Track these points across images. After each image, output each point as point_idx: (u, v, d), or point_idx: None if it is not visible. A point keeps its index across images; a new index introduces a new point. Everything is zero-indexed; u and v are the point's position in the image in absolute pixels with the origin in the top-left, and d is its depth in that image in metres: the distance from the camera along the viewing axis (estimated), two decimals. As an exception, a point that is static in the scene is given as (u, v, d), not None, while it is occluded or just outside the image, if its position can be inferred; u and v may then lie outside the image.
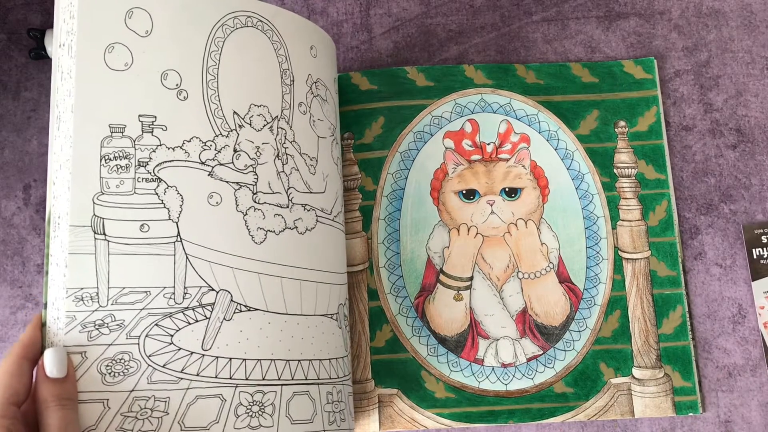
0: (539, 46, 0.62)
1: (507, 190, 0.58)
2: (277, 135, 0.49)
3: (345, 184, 0.59)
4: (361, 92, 0.60)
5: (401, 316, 0.57)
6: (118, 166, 0.44)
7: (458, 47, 0.63)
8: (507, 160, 0.59)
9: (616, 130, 0.60)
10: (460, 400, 0.55)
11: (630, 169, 0.59)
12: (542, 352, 0.56)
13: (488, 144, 0.59)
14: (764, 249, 0.57)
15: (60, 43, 0.44)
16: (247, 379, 0.45)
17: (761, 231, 0.57)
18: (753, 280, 0.57)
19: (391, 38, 0.63)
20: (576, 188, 0.59)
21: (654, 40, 0.62)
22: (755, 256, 0.57)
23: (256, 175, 0.48)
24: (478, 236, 0.58)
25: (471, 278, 0.57)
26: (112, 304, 0.42)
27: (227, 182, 0.47)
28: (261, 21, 0.50)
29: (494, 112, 0.60)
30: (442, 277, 0.57)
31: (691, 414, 0.54)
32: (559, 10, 0.63)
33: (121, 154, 0.44)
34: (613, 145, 0.59)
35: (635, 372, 0.55)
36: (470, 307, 0.57)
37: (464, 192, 0.58)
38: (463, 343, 0.56)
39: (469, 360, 0.56)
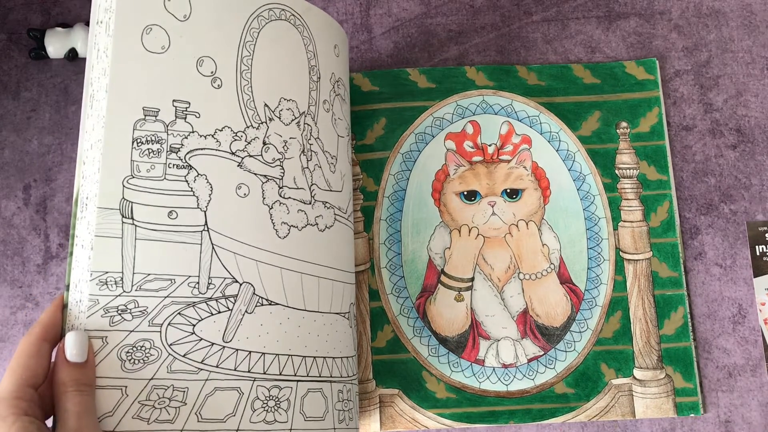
0: (539, 46, 0.62)
1: (508, 191, 0.58)
2: (303, 131, 0.48)
3: (346, 184, 0.59)
4: (362, 93, 0.60)
5: (402, 316, 0.57)
6: (150, 150, 0.43)
7: (458, 47, 0.63)
8: (508, 161, 0.59)
9: (617, 131, 0.60)
10: (461, 401, 0.55)
11: (632, 170, 0.59)
12: (543, 352, 0.56)
13: (489, 145, 0.59)
14: (767, 246, 0.57)
15: (97, 20, 0.43)
16: (264, 373, 0.44)
17: (765, 228, 0.58)
18: (755, 277, 0.57)
19: (391, 38, 0.63)
20: (577, 189, 0.59)
21: (654, 41, 0.62)
22: (758, 253, 0.57)
23: (283, 169, 0.47)
24: (479, 237, 0.58)
25: (472, 279, 0.57)
26: (136, 290, 0.41)
27: (255, 174, 0.46)
28: (293, 15, 0.49)
29: (496, 114, 0.60)
30: (443, 278, 0.57)
31: (692, 415, 0.55)
32: (559, 10, 0.63)
33: (153, 138, 0.43)
34: (615, 146, 0.59)
35: (636, 373, 0.55)
36: (471, 308, 0.57)
37: (465, 193, 0.58)
38: (464, 343, 0.56)
39: (470, 360, 0.56)
